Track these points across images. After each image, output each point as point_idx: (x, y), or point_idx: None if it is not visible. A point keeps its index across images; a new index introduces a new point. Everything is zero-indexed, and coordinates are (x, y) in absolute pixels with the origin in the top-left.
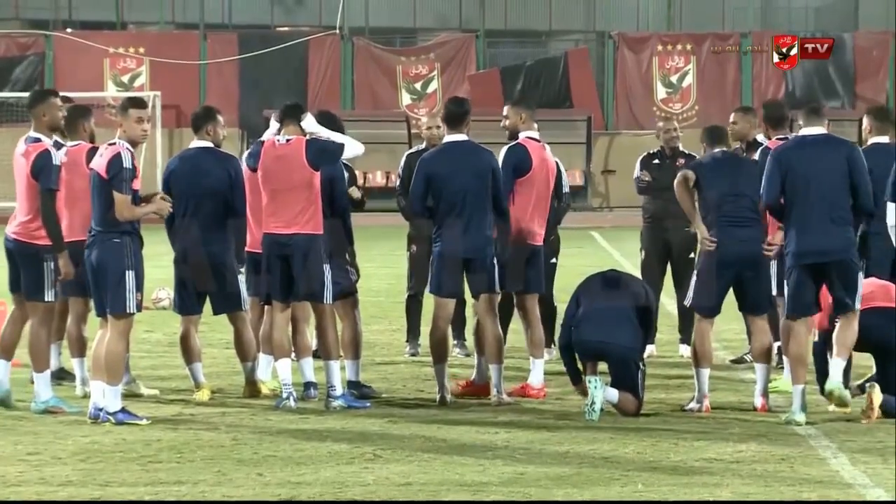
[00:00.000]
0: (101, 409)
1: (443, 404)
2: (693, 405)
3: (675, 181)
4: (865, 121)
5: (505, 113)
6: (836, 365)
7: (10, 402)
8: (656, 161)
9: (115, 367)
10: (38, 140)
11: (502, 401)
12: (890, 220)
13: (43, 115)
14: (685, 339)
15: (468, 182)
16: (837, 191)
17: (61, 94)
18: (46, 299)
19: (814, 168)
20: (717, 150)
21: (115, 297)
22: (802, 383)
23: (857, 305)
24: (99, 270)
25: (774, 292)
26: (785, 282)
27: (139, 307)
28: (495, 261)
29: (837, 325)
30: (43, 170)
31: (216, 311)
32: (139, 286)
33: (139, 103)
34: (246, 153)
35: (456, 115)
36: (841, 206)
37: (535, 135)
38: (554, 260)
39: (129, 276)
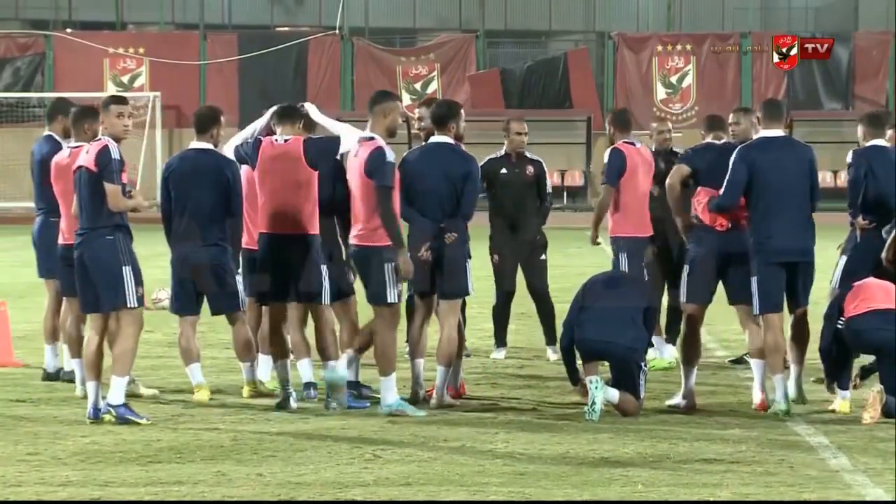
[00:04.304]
0: (102, 408)
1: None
2: (678, 401)
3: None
4: (860, 128)
5: (419, 115)
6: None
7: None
8: None
9: (124, 361)
10: (372, 138)
11: (444, 402)
12: None
13: (384, 116)
14: (671, 339)
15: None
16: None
17: (60, 95)
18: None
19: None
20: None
21: (116, 293)
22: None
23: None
24: (94, 268)
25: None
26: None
27: (141, 301)
28: (467, 264)
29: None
30: (378, 167)
31: (214, 312)
32: (138, 280)
33: (120, 100)
34: (237, 140)
35: (442, 116)
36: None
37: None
38: (543, 256)
39: (127, 271)
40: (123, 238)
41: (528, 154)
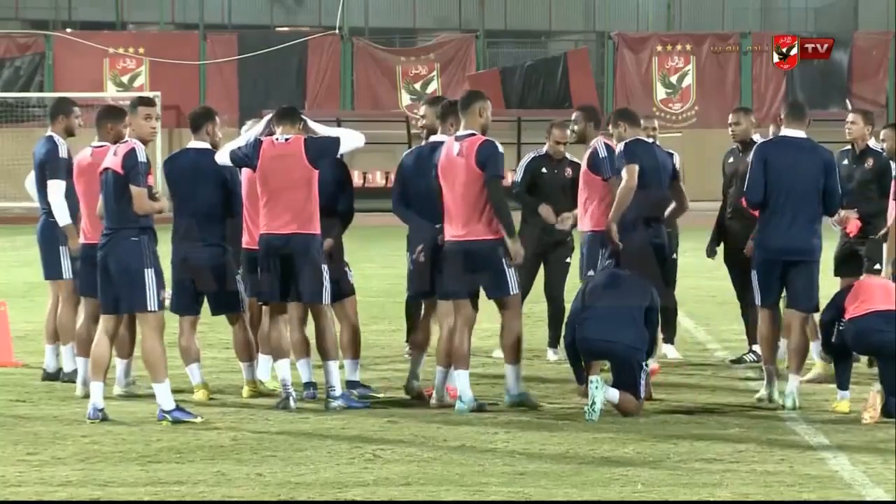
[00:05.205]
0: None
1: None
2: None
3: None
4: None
5: (422, 112)
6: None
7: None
8: None
9: (156, 365)
10: (473, 134)
11: (445, 402)
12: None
13: (479, 115)
14: (668, 338)
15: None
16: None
17: (60, 95)
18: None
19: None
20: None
21: (135, 295)
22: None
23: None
24: (117, 270)
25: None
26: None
27: (161, 305)
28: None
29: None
30: (491, 156)
31: (214, 312)
32: (160, 283)
33: (148, 101)
34: (234, 145)
35: (444, 112)
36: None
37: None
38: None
39: (149, 274)
40: (149, 240)
41: (568, 155)
